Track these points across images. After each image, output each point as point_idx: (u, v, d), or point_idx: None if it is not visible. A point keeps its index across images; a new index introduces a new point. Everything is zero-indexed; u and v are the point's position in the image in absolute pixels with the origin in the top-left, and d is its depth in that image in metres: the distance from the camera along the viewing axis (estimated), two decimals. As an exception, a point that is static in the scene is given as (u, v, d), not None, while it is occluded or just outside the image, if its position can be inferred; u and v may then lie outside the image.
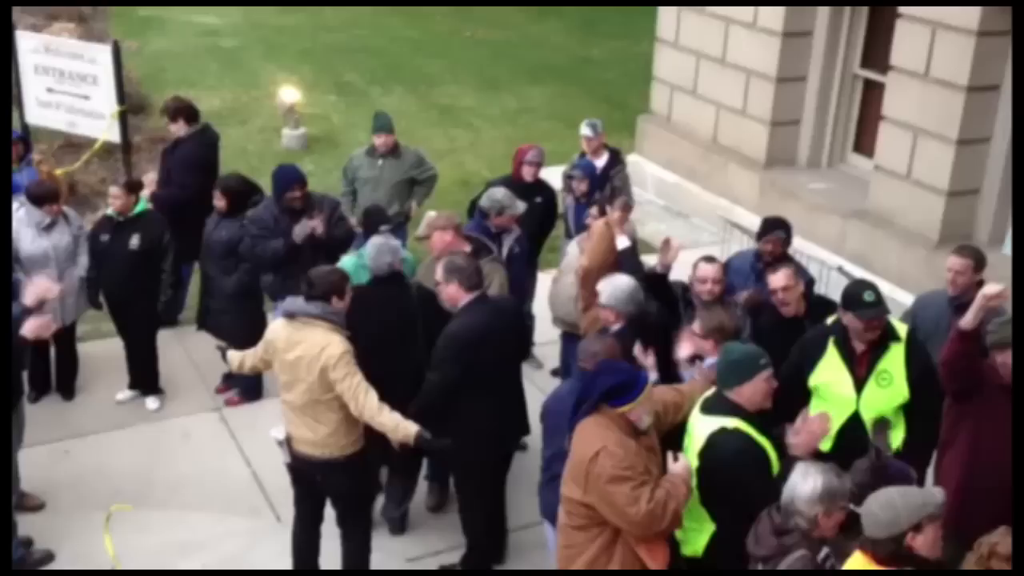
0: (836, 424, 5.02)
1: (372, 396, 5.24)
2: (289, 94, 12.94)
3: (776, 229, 6.54)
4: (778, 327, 5.82)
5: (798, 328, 5.70)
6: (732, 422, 4.46)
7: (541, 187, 7.87)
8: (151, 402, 7.59)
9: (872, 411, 5.22)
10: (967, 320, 4.94)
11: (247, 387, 7.50)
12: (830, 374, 5.28)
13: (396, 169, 8.27)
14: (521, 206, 7.04)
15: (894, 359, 5.21)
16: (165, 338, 7.83)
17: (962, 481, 5.00)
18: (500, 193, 7.00)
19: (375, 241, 6.13)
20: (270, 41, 17.60)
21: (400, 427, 5.27)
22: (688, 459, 4.48)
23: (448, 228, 6.25)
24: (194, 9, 19.12)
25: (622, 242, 6.02)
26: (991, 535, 3.85)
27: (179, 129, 8.30)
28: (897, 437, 5.21)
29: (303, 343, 5.23)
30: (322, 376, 5.18)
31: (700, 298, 5.92)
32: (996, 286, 4.96)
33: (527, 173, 7.82)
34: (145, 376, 7.60)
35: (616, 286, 5.52)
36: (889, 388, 5.20)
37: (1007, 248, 6.38)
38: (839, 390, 5.25)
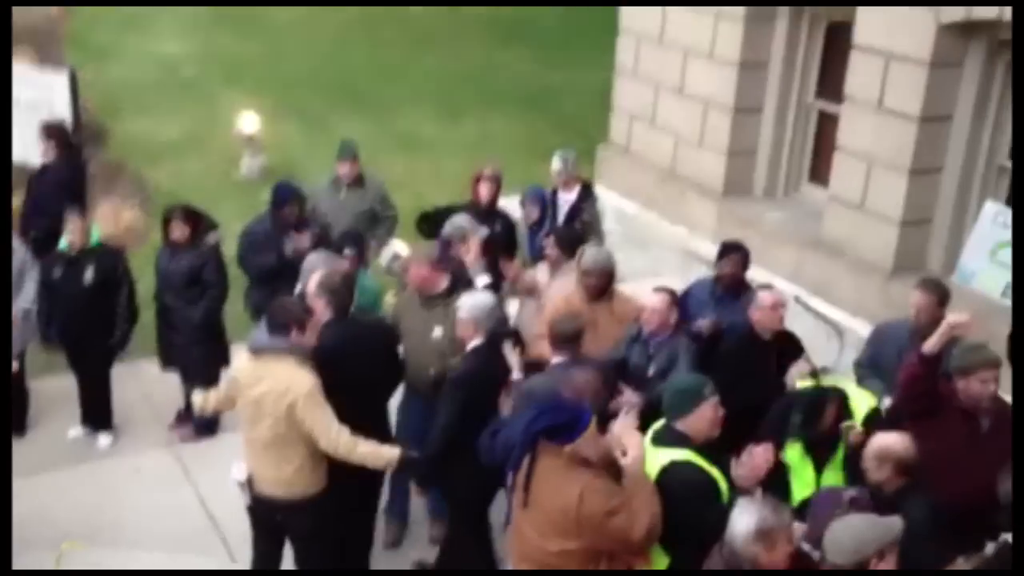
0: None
1: (345, 430, 5.19)
2: (248, 122, 12.88)
3: (733, 252, 6.61)
4: (751, 348, 5.85)
5: (769, 351, 5.74)
6: (682, 454, 4.46)
7: (498, 214, 7.84)
8: (103, 439, 7.47)
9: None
10: (930, 345, 5.07)
11: (202, 423, 7.40)
12: (793, 457, 5.30)
13: (359, 200, 8.17)
14: (483, 231, 7.06)
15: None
16: (118, 373, 7.71)
17: None
18: (461, 219, 7.03)
19: (312, 257, 6.34)
20: (229, 69, 17.52)
21: (382, 453, 5.28)
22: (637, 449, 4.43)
23: (424, 262, 6.24)
24: (152, 37, 19.01)
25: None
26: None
27: (48, 152, 8.18)
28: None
29: (268, 378, 5.16)
30: (289, 412, 5.10)
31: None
32: (962, 316, 5.04)
33: (484, 191, 7.78)
34: (98, 412, 7.49)
35: (476, 302, 5.63)
36: (839, 472, 5.23)
37: (957, 276, 6.49)
38: (800, 474, 5.28)
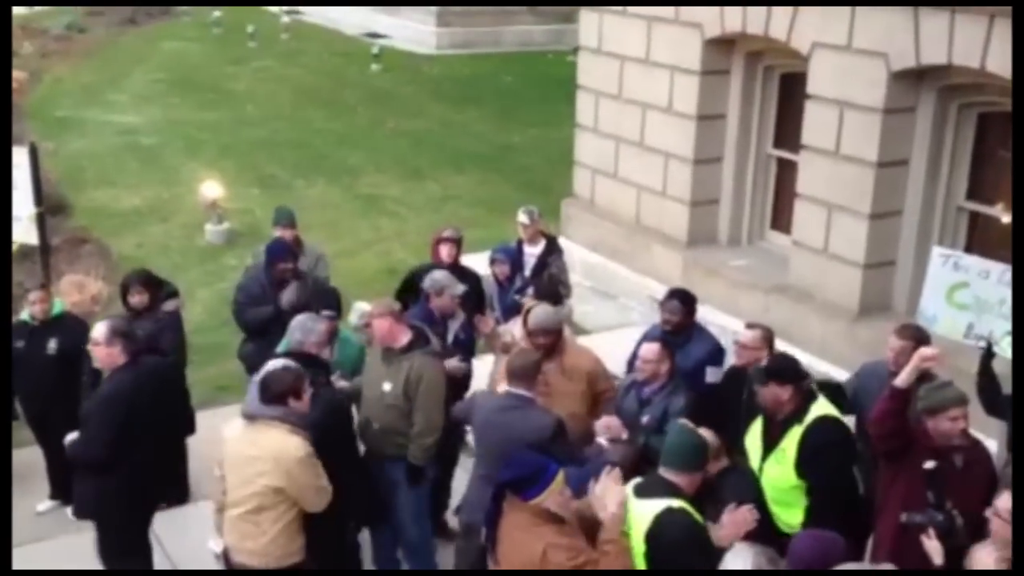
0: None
1: (329, 490, 5.25)
2: (211, 189, 12.88)
3: (670, 300, 6.70)
4: (739, 385, 6.03)
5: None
6: (676, 503, 4.44)
7: (464, 273, 7.85)
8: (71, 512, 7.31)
9: (769, 485, 5.33)
10: (901, 379, 5.14)
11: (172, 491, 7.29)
12: (751, 438, 5.49)
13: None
14: (460, 288, 7.09)
15: (792, 439, 5.34)
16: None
17: (895, 544, 5.05)
18: (440, 274, 7.09)
19: (299, 318, 6.24)
20: (190, 137, 17.57)
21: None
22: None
23: (386, 315, 6.24)
24: (112, 109, 19.05)
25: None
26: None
27: None
28: (795, 516, 5.27)
29: (260, 445, 5.12)
30: (284, 480, 5.07)
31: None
32: (931, 349, 5.10)
33: (444, 253, 7.81)
34: (66, 485, 7.33)
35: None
36: (781, 466, 5.31)
37: (919, 319, 6.60)
38: (752, 456, 5.47)
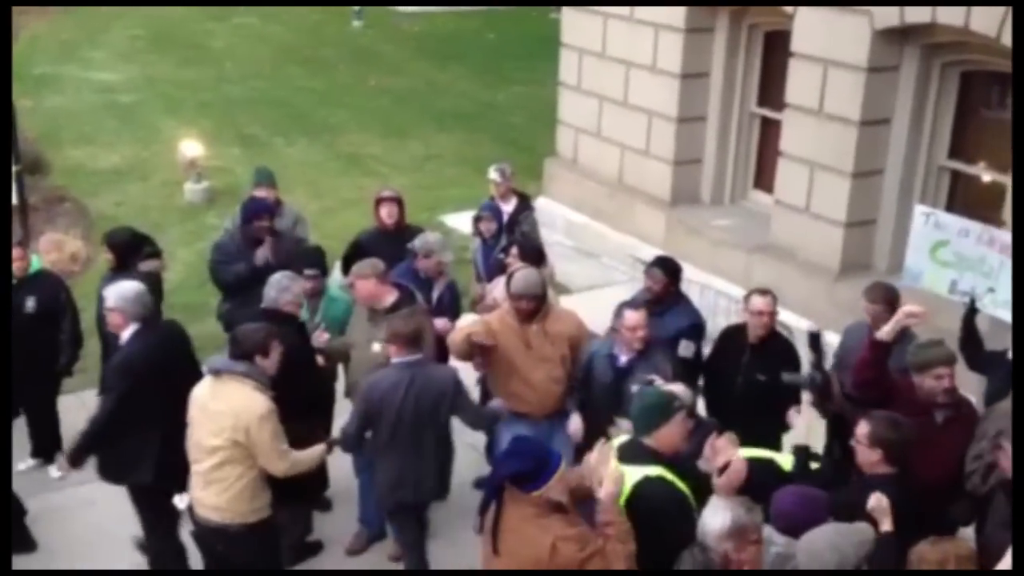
0: None
1: (292, 454, 5.23)
2: (190, 148, 12.75)
3: (653, 268, 6.65)
4: (738, 349, 6.11)
5: (755, 353, 6.03)
6: (654, 470, 4.40)
7: (412, 234, 7.44)
8: (54, 470, 7.29)
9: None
10: (884, 332, 5.21)
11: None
12: None
13: (277, 225, 8.03)
14: (449, 255, 7.07)
15: None
16: (66, 403, 7.57)
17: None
18: (432, 237, 7.08)
19: (275, 276, 6.19)
20: (169, 96, 17.37)
21: (313, 453, 5.47)
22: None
23: (371, 276, 6.20)
24: (90, 66, 18.80)
25: None
26: (918, 546, 3.96)
27: None
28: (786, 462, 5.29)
29: (225, 400, 5.13)
30: (244, 435, 5.08)
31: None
32: (917, 307, 5.14)
33: (384, 213, 7.67)
34: (47, 443, 7.33)
35: (121, 290, 5.72)
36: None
37: (904, 277, 6.63)
38: None
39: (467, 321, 6.64)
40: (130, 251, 7.13)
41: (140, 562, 6.27)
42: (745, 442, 4.79)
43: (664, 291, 6.55)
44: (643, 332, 5.89)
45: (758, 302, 6.18)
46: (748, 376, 6.19)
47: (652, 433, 4.49)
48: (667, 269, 6.63)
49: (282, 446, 5.21)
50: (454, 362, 6.37)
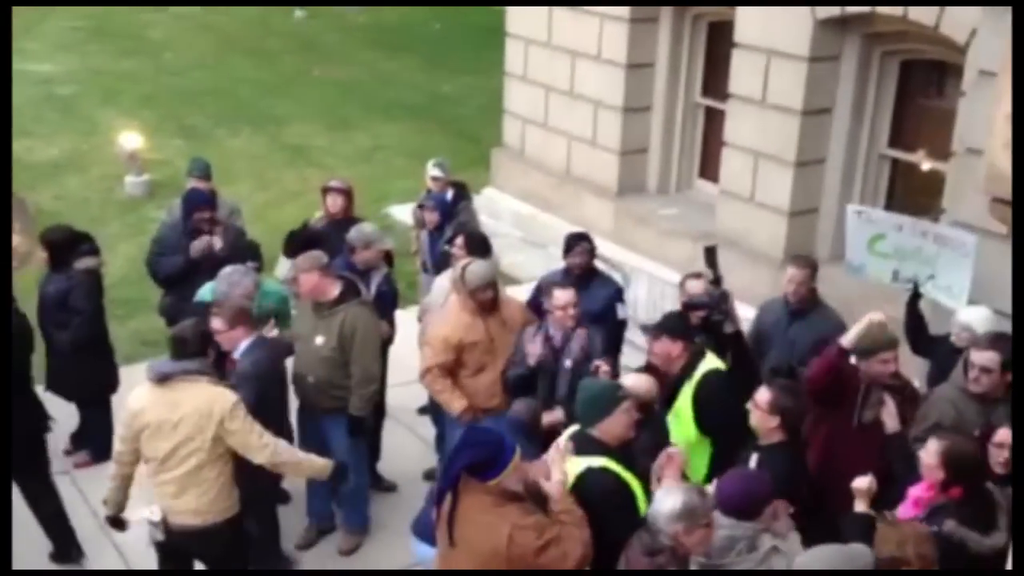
0: None
1: (274, 441, 5.16)
2: (130, 140, 12.54)
3: (581, 241, 6.79)
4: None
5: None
6: (598, 461, 4.42)
7: (355, 223, 7.48)
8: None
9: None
10: (848, 339, 5.33)
11: (98, 448, 7.15)
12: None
13: None
14: (389, 242, 7.03)
15: (685, 397, 5.42)
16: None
17: (816, 480, 5.18)
18: (368, 227, 7.00)
19: (227, 269, 6.21)
20: (109, 87, 17.05)
21: (315, 462, 5.37)
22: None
23: (313, 269, 6.14)
24: (27, 57, 18.38)
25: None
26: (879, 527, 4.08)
27: None
28: (699, 466, 5.33)
29: (186, 402, 5.00)
30: (217, 431, 4.99)
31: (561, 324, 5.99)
32: (879, 314, 5.32)
33: (330, 202, 7.65)
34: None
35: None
36: (680, 423, 5.40)
37: (847, 270, 6.78)
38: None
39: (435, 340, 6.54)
40: (66, 249, 6.96)
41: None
42: None
43: (590, 264, 6.76)
44: (574, 309, 5.95)
45: (694, 286, 6.24)
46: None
47: (596, 424, 4.52)
48: (590, 241, 6.91)
49: (262, 434, 5.12)
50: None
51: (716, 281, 6.06)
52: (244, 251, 6.92)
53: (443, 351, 6.16)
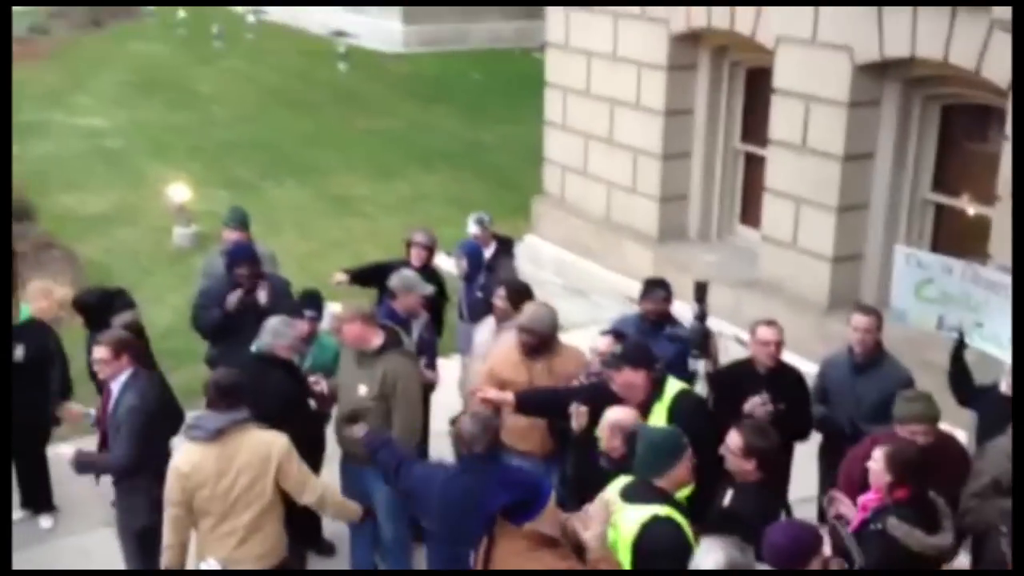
0: None
1: (321, 483, 5.32)
2: (178, 192, 12.77)
3: (656, 288, 6.73)
4: (744, 380, 6.01)
5: (761, 384, 5.91)
6: (663, 509, 4.38)
7: (431, 275, 7.75)
8: (44, 521, 7.25)
9: None
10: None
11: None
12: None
13: None
14: (428, 288, 7.07)
15: (659, 416, 5.31)
16: (55, 452, 7.51)
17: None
18: (408, 273, 7.08)
19: (272, 320, 6.22)
20: (157, 140, 17.40)
21: (348, 507, 5.56)
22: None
23: (355, 319, 6.19)
24: (77, 112, 18.85)
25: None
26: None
27: None
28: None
29: (242, 452, 5.06)
30: (276, 474, 5.09)
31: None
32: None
33: (414, 257, 7.79)
34: (37, 493, 7.26)
35: None
36: None
37: (891, 316, 6.67)
38: None
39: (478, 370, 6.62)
40: (102, 310, 7.06)
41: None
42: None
43: (665, 310, 6.73)
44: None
45: (765, 332, 6.20)
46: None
47: (664, 473, 4.48)
48: (667, 288, 6.85)
49: (310, 474, 5.27)
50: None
51: (701, 317, 6.04)
52: (292, 302, 6.97)
53: (487, 381, 6.19)
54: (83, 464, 5.76)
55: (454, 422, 5.21)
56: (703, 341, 6.03)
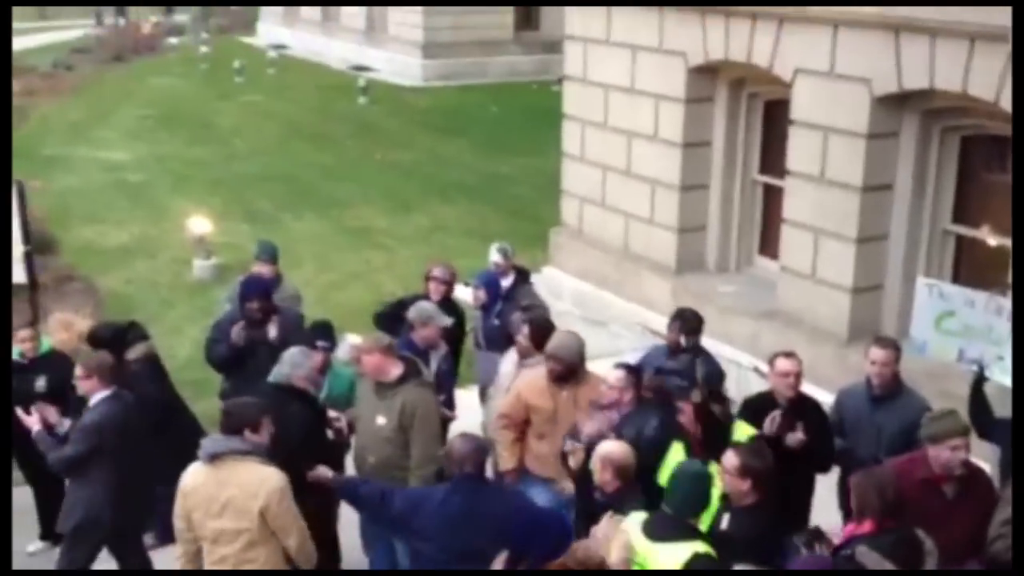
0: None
1: (306, 531, 5.20)
2: (198, 224, 12.87)
3: (673, 320, 6.88)
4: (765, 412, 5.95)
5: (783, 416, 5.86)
6: (700, 547, 4.42)
7: (451, 308, 7.81)
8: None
9: None
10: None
11: (164, 528, 7.21)
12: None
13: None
14: (446, 320, 7.09)
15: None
16: (76, 483, 7.53)
17: None
18: (426, 305, 7.10)
19: (291, 351, 6.25)
20: (178, 173, 17.59)
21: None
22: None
23: (375, 350, 6.22)
24: (99, 146, 19.07)
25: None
26: None
27: None
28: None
29: (233, 481, 5.05)
30: (262, 511, 5.02)
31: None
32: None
33: (433, 291, 7.81)
34: (55, 524, 7.27)
35: None
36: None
37: (909, 347, 6.60)
38: None
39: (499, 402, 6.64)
40: (114, 344, 7.09)
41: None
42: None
43: (680, 338, 6.76)
44: (619, 392, 5.93)
45: (784, 364, 6.17)
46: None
47: (700, 512, 4.57)
48: (683, 319, 6.89)
49: (300, 520, 5.18)
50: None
51: (688, 349, 6.14)
52: (304, 337, 6.98)
53: (515, 403, 6.35)
54: (40, 439, 6.23)
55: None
56: (692, 374, 6.13)
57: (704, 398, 6.00)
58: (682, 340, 6.72)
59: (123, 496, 6.12)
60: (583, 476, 5.41)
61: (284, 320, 7.32)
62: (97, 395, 6.10)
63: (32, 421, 6.24)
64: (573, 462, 5.58)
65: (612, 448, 5.19)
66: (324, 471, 5.67)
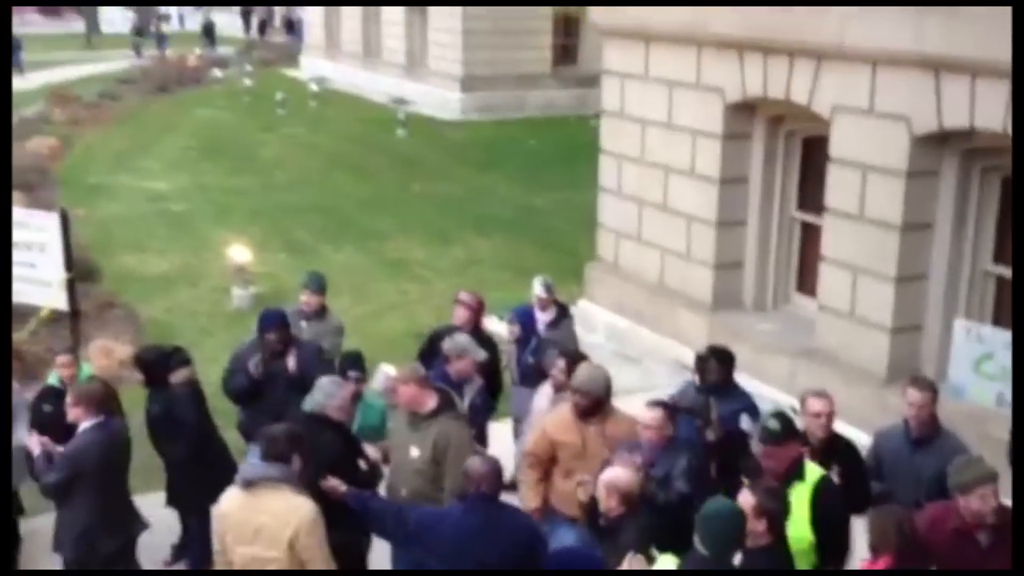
0: None
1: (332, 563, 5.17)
2: (239, 254, 13.01)
3: (707, 359, 6.82)
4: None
5: (814, 456, 5.80)
6: None
7: (482, 339, 7.75)
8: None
9: None
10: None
11: (199, 557, 7.25)
12: None
13: (317, 332, 8.10)
14: (482, 353, 7.10)
15: (797, 498, 5.28)
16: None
17: None
18: (462, 337, 7.11)
19: (323, 380, 6.27)
20: (219, 203, 17.81)
21: None
22: None
23: (411, 381, 6.24)
24: (143, 175, 19.37)
25: None
26: None
27: None
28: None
29: (265, 510, 5.06)
30: (291, 541, 5.02)
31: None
32: None
33: (457, 316, 7.81)
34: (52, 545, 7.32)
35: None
36: (795, 526, 5.22)
37: (948, 391, 6.50)
38: None
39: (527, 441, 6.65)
40: (160, 367, 7.18)
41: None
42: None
43: (720, 380, 6.71)
44: (656, 432, 5.93)
45: (815, 404, 6.12)
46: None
47: (736, 554, 4.57)
48: (720, 359, 6.83)
49: (328, 555, 5.15)
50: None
51: (707, 389, 6.20)
52: (323, 369, 7.00)
53: (540, 440, 6.31)
54: (37, 463, 6.32)
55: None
56: (706, 412, 6.18)
57: (719, 437, 6.01)
58: (696, 380, 6.68)
59: (108, 522, 6.20)
60: (593, 509, 5.46)
61: (302, 352, 7.34)
62: (84, 423, 6.17)
63: (34, 444, 6.33)
64: (582, 495, 5.60)
65: (618, 474, 5.21)
66: (337, 483, 5.64)
